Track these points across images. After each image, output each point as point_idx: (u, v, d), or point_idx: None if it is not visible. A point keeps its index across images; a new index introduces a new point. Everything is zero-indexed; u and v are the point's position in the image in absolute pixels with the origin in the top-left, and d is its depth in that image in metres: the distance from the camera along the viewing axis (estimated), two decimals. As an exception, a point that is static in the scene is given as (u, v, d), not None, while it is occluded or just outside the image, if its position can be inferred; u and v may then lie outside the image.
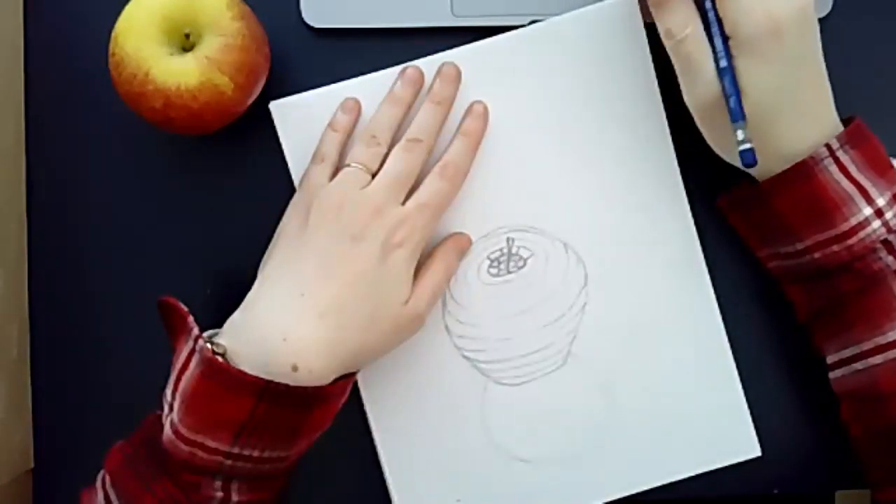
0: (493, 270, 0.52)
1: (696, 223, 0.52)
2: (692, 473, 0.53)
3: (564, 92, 0.51)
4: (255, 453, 0.44)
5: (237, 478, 0.45)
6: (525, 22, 0.52)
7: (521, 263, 0.52)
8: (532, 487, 0.53)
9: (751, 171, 0.48)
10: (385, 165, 0.48)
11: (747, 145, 0.45)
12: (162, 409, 0.46)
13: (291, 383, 0.43)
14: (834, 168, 0.46)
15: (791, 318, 0.52)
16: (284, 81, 0.52)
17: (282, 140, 0.51)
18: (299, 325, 0.45)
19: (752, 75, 0.45)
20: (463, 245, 0.51)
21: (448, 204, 0.50)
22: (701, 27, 0.46)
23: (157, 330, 0.47)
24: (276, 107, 0.51)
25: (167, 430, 0.44)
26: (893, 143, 0.54)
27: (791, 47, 0.44)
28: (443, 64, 0.50)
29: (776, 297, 0.52)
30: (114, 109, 0.51)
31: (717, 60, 0.45)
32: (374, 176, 0.48)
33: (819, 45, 0.46)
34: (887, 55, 0.54)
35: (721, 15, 0.45)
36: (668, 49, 0.47)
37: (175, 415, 0.44)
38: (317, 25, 0.53)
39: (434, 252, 0.50)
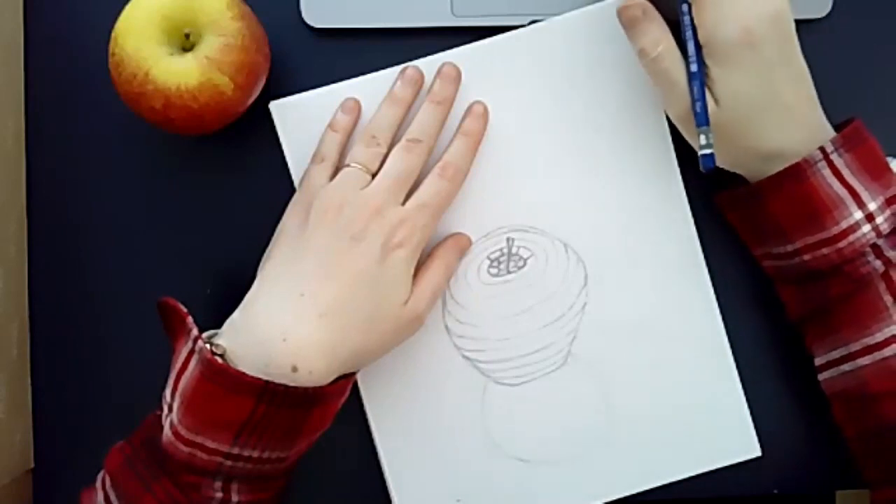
0: (493, 270, 0.52)
1: (696, 223, 0.52)
2: (692, 473, 0.53)
3: (564, 92, 0.51)
4: (255, 454, 0.44)
5: (237, 478, 0.45)
6: (525, 22, 0.52)
7: (521, 263, 0.52)
8: (532, 487, 0.53)
9: (740, 172, 0.49)
10: (385, 166, 0.48)
11: (708, 151, 0.46)
12: (161, 409, 0.46)
13: (291, 384, 0.43)
14: (827, 171, 0.46)
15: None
16: (284, 81, 0.52)
17: (282, 140, 0.51)
18: (299, 325, 0.45)
19: (728, 83, 0.45)
20: (463, 245, 0.51)
21: (448, 204, 0.50)
22: (673, 41, 0.47)
23: (157, 330, 0.47)
24: (276, 107, 0.51)
25: (166, 430, 0.44)
26: (893, 143, 0.54)
27: (765, 54, 0.45)
28: (443, 64, 0.50)
29: (776, 297, 0.52)
30: (114, 109, 0.51)
31: (687, 65, 0.46)
32: (373, 176, 0.48)
33: (796, 46, 0.46)
34: (887, 55, 0.54)
35: (696, 24, 0.45)
36: (643, 67, 0.48)
37: (174, 415, 0.44)
38: (317, 25, 0.53)
39: (434, 252, 0.50)
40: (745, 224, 0.50)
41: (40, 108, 0.55)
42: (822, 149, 0.46)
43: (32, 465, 0.55)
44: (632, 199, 0.52)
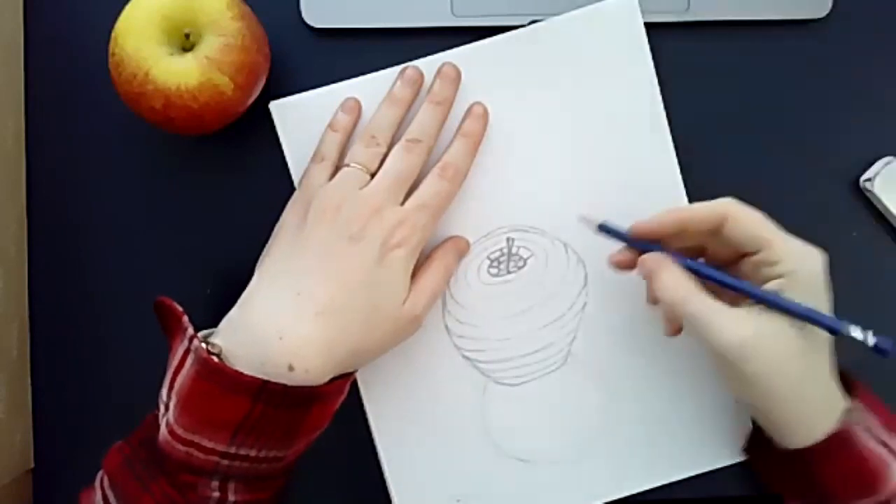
0: (493, 270, 0.52)
1: (696, 223, 0.52)
2: (692, 473, 0.53)
3: (564, 92, 0.51)
4: (252, 453, 0.44)
5: (234, 477, 0.45)
6: (525, 22, 0.52)
7: (521, 263, 0.52)
8: (532, 487, 0.53)
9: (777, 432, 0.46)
10: (384, 165, 0.48)
11: (872, 339, 0.42)
12: (159, 408, 0.46)
13: (288, 383, 0.43)
14: (865, 432, 0.45)
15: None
16: (284, 81, 0.52)
17: (282, 140, 0.51)
18: (295, 324, 0.45)
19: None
20: (461, 248, 0.51)
21: (448, 204, 0.50)
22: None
23: (157, 330, 0.47)
24: (276, 107, 0.51)
25: (163, 430, 0.44)
26: (893, 143, 0.54)
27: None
28: (443, 64, 0.50)
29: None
30: (114, 109, 0.51)
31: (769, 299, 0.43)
32: (373, 176, 0.48)
33: None
34: (887, 55, 0.54)
35: (774, 260, 0.44)
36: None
37: (171, 415, 0.44)
38: (317, 25, 0.53)
39: (433, 254, 0.50)
40: (785, 484, 0.49)
41: (40, 108, 0.55)
42: (852, 409, 0.45)
43: (32, 465, 0.55)
44: (631, 199, 0.52)
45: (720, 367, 0.46)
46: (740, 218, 0.45)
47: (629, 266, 0.48)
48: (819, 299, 0.44)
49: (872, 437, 0.45)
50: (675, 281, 0.45)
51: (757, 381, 0.44)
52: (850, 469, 0.45)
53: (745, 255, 0.45)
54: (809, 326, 0.43)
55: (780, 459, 0.47)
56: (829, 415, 0.45)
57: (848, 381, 0.47)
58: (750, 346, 0.43)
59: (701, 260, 0.48)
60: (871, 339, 0.42)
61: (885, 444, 0.45)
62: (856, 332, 0.43)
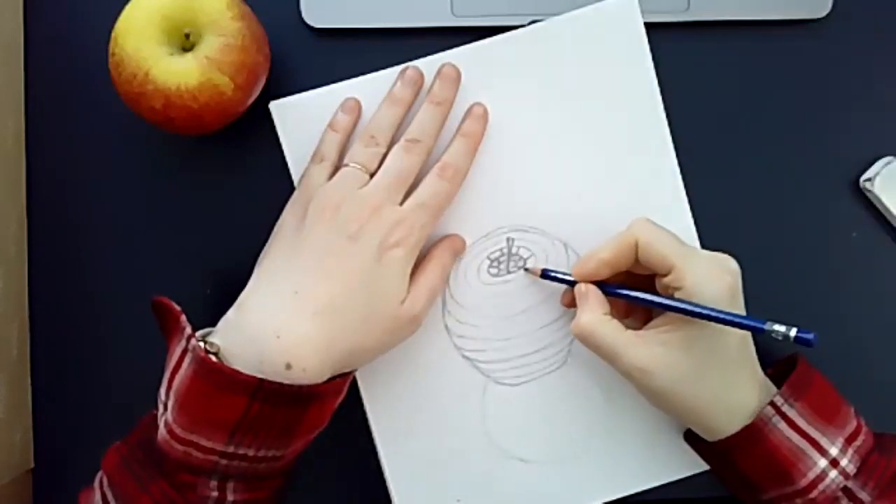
0: (493, 270, 0.52)
1: (696, 224, 0.52)
2: (691, 473, 0.53)
3: (564, 92, 0.51)
4: (251, 452, 0.44)
5: (233, 477, 0.45)
6: (525, 22, 0.52)
7: (521, 263, 0.52)
8: (532, 487, 0.53)
9: (698, 428, 0.49)
10: (383, 165, 0.48)
11: (794, 330, 0.43)
12: (158, 408, 0.46)
13: (285, 381, 0.43)
14: (783, 425, 0.46)
15: (789, 318, 0.51)
16: (284, 81, 0.52)
17: (282, 140, 0.51)
18: (293, 323, 0.45)
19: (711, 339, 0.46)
20: (457, 246, 0.51)
21: (447, 205, 0.50)
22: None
23: (157, 330, 0.47)
24: (276, 107, 0.51)
25: (161, 429, 0.44)
26: (892, 144, 0.54)
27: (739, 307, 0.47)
28: (443, 65, 0.50)
29: (773, 298, 0.52)
30: (114, 109, 0.51)
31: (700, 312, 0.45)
32: (372, 176, 0.48)
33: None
34: (887, 55, 0.54)
35: (678, 286, 0.46)
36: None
37: (169, 414, 0.44)
38: (317, 25, 0.53)
39: (429, 253, 0.50)
40: (722, 472, 0.51)
41: (40, 108, 0.55)
42: (772, 403, 0.46)
43: (32, 465, 0.55)
44: (631, 199, 0.52)
45: (633, 385, 0.48)
46: (648, 241, 0.47)
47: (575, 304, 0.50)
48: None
49: (794, 429, 0.46)
50: (587, 317, 0.48)
51: (665, 394, 0.47)
52: (763, 461, 0.46)
53: (658, 275, 0.48)
54: (713, 337, 0.46)
55: (707, 450, 0.50)
56: (741, 412, 0.47)
57: (789, 371, 0.48)
58: (651, 367, 0.46)
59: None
60: (793, 330, 0.43)
61: (806, 436, 0.46)
62: (779, 327, 0.44)
